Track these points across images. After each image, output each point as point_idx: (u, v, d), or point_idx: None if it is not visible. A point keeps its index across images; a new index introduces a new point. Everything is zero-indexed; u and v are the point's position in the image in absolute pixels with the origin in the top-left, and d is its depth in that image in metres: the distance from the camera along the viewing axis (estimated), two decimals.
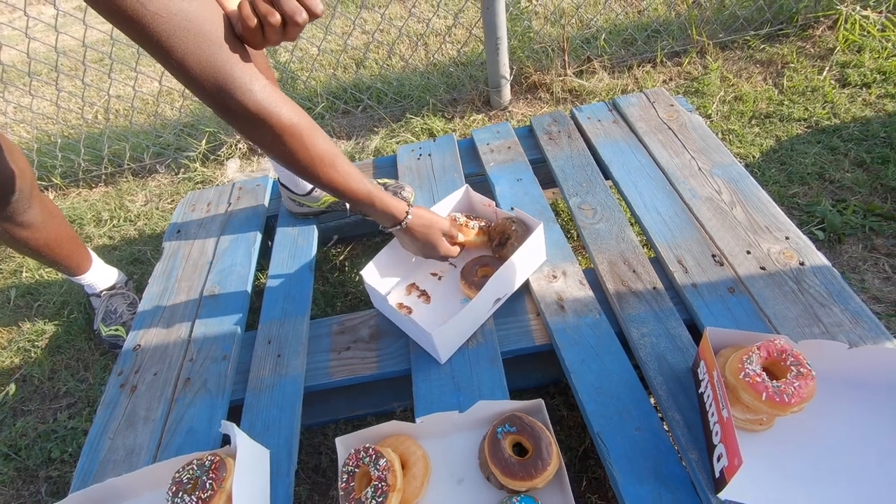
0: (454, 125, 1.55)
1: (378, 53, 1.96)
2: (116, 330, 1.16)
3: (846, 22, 1.46)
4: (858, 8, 1.46)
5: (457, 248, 0.88)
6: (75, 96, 1.90)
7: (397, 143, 1.51)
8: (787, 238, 0.86)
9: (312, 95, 1.72)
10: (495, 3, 1.33)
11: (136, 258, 1.36)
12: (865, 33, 1.45)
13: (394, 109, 1.63)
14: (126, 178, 1.64)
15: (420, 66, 1.79)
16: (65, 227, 1.07)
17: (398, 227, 0.79)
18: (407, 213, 0.79)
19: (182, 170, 1.61)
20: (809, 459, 0.61)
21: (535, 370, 0.91)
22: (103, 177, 1.67)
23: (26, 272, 1.40)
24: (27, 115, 1.94)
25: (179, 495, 0.63)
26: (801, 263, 0.82)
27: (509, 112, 1.55)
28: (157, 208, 1.51)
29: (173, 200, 1.53)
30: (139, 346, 0.95)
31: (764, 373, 0.60)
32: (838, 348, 0.63)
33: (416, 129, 1.53)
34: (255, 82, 0.57)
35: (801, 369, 0.59)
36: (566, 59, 1.53)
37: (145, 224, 1.47)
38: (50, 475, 0.96)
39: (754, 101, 1.38)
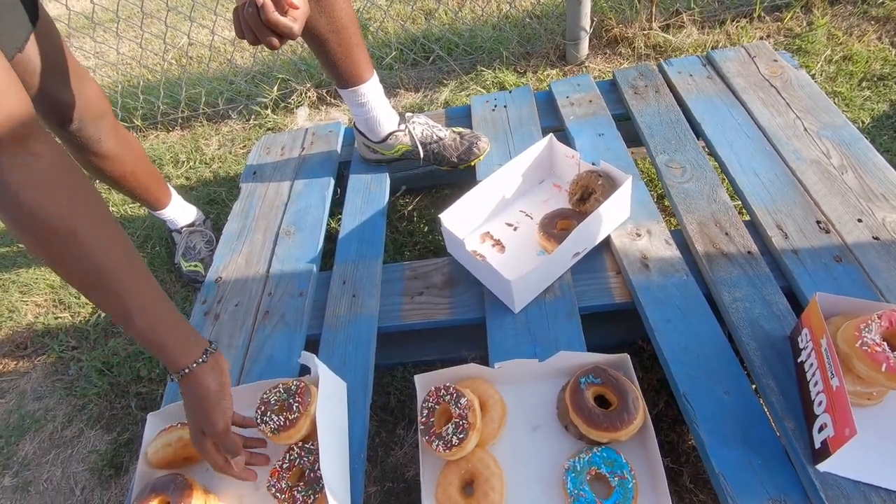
0: (527, 79, 1.49)
1: (449, 4, 1.90)
2: (196, 266, 1.22)
3: None
4: None
5: (232, 468, 0.62)
6: (158, 38, 1.95)
7: (467, 95, 1.48)
8: None
9: (382, 45, 1.69)
10: None
11: (212, 199, 1.41)
12: None
13: (464, 62, 1.58)
14: (201, 122, 1.69)
15: (493, 19, 1.72)
16: (144, 162, 1.11)
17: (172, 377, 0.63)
18: (183, 370, 0.59)
19: (253, 116, 1.64)
20: None
21: (611, 329, 0.89)
22: (180, 120, 1.73)
23: (112, 206, 1.48)
24: (113, 57, 2.02)
25: (268, 414, 0.66)
26: None
27: (586, 67, 1.47)
28: (231, 153, 1.55)
29: (245, 146, 1.56)
30: (220, 278, 0.99)
31: (885, 343, 0.55)
32: None
33: (487, 83, 1.49)
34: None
35: None
36: (653, 10, 1.42)
37: (219, 167, 1.51)
38: (139, 391, 1.04)
39: (867, 62, 1.25)
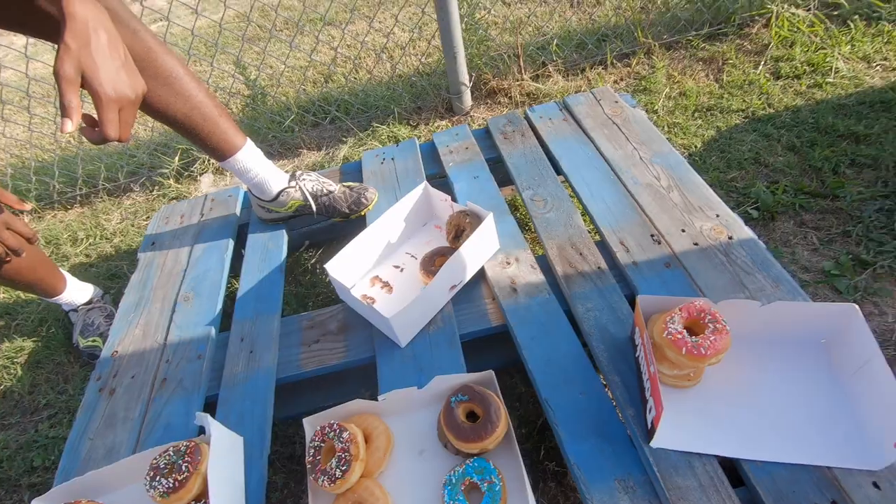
0: (419, 132, 1.62)
1: (345, 67, 2.03)
2: (94, 341, 1.19)
3: (777, 19, 1.56)
4: (788, 6, 1.57)
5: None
6: (48, 121, 1.93)
7: (363, 149, 1.58)
8: (717, 216, 0.93)
9: (283, 110, 1.78)
10: (450, 17, 1.41)
11: (113, 273, 1.39)
12: (795, 29, 1.56)
13: (360, 120, 1.70)
14: (101, 197, 1.68)
15: (385, 78, 1.86)
16: (37, 253, 1.10)
17: None
18: None
19: (157, 187, 1.65)
20: (732, 406, 0.68)
21: (496, 352, 0.97)
22: (78, 198, 1.70)
23: (3, 293, 1.42)
24: (1, 141, 1.96)
25: (157, 479, 0.67)
26: (730, 238, 0.89)
27: (471, 117, 1.62)
28: (133, 225, 1.55)
29: (148, 217, 1.56)
30: (116, 352, 0.99)
31: (685, 331, 0.66)
32: (752, 306, 0.70)
33: (383, 138, 1.60)
34: None
35: (717, 325, 0.66)
36: (521, 65, 1.61)
37: (121, 241, 1.50)
38: (33, 482, 0.99)
39: (697, 96, 1.48)
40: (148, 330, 1.01)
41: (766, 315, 0.70)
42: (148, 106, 0.90)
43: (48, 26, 0.77)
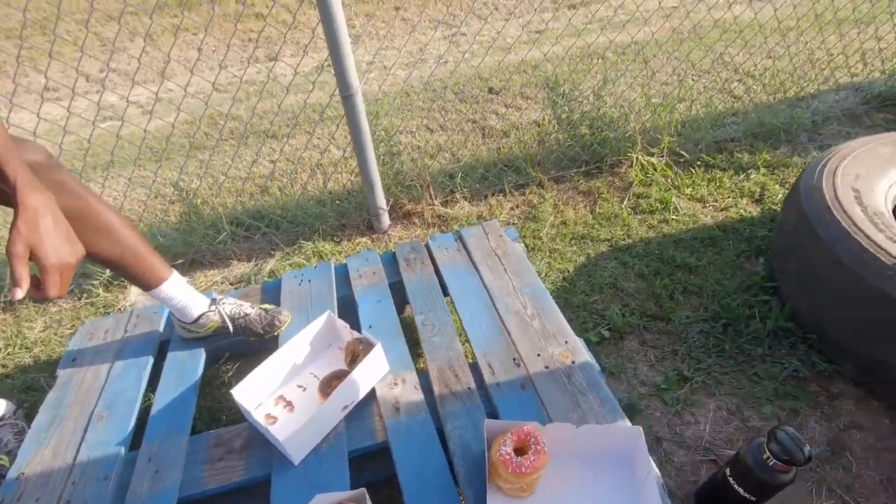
0: (342, 247, 1.82)
1: (281, 181, 2.25)
2: (1, 460, 1.21)
3: (636, 164, 1.94)
4: (644, 154, 1.95)
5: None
6: None
7: (290, 265, 1.75)
8: (566, 342, 1.16)
9: (217, 220, 1.94)
10: (367, 156, 1.67)
11: (30, 386, 1.43)
12: (652, 172, 1.93)
13: (289, 234, 1.88)
14: (25, 303, 1.73)
15: (316, 193, 2.09)
16: None
17: None
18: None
19: (85, 294, 1.73)
20: None
21: (384, 465, 1.10)
22: (1, 304, 1.74)
23: None
24: None
25: None
26: (573, 362, 1.11)
27: (388, 235, 1.85)
28: (56, 334, 1.60)
29: (73, 326, 1.63)
30: (23, 474, 1.04)
31: (513, 452, 0.84)
32: (570, 428, 0.89)
33: (308, 253, 1.78)
34: None
35: (538, 447, 0.84)
36: (431, 192, 1.88)
37: (42, 350, 1.55)
38: None
39: (574, 225, 1.78)
40: (58, 450, 1.07)
41: (582, 435, 0.90)
42: (88, 255, 1.04)
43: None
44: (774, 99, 2.39)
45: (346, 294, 1.41)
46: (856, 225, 1.19)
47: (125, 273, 1.10)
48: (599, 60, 3.07)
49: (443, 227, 1.85)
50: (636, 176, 1.92)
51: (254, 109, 2.51)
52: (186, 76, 3.89)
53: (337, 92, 1.55)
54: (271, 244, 1.87)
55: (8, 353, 1.54)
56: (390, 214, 1.88)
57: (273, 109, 3.00)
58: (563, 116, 2.10)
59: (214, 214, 2.00)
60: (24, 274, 0.75)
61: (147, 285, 1.14)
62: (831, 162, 1.39)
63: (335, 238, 1.85)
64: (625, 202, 1.84)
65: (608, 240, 1.70)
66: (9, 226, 0.81)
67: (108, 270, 1.73)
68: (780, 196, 1.76)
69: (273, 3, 4.86)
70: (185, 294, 1.20)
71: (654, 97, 2.49)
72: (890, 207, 1.32)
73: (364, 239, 1.84)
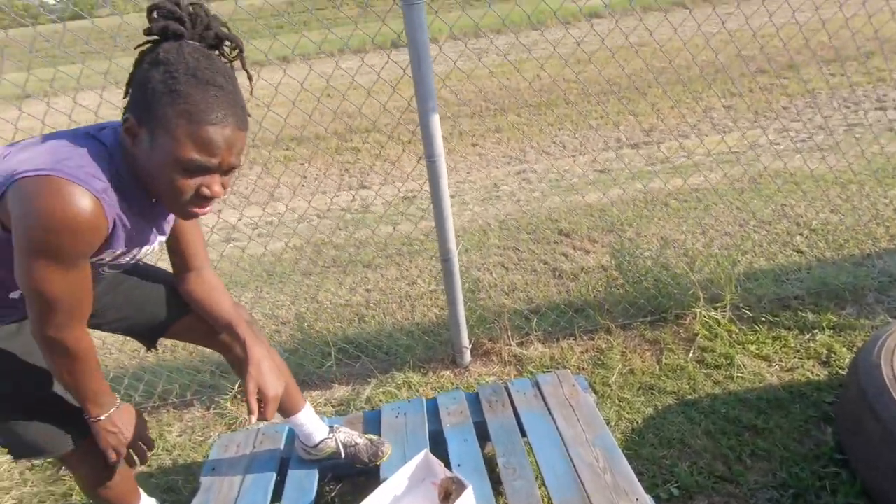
0: (429, 379, 2.06)
1: (376, 310, 2.60)
2: None
3: (699, 318, 2.10)
4: (707, 310, 2.12)
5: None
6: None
7: (384, 393, 2.00)
8: (637, 500, 1.28)
9: (325, 346, 2.27)
10: (457, 304, 1.97)
11: (170, 487, 1.71)
12: (716, 326, 2.08)
13: (383, 363, 2.17)
14: (168, 409, 2.08)
15: (406, 323, 2.40)
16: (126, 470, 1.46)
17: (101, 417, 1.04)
18: (98, 418, 1.03)
19: (214, 405, 2.06)
20: None
21: None
22: (149, 408, 2.10)
23: (76, 495, 1.72)
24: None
25: None
26: None
27: (469, 371, 2.08)
28: (190, 440, 1.91)
29: (203, 434, 1.94)
30: None
31: None
32: None
33: (399, 382, 2.04)
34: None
35: None
36: (508, 334, 2.13)
37: (179, 454, 1.85)
38: None
39: (641, 374, 1.93)
40: None
41: None
42: None
43: (217, 344, 1.29)
44: (838, 256, 2.51)
45: (436, 429, 1.62)
46: None
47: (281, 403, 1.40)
48: (662, 207, 3.35)
49: (518, 367, 2.06)
50: (700, 330, 2.07)
51: (351, 237, 2.96)
52: (293, 200, 4.61)
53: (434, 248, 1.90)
54: (367, 371, 2.15)
55: (153, 454, 1.86)
56: (471, 352, 2.13)
57: (367, 239, 3.49)
58: (628, 267, 2.34)
59: (320, 339, 2.35)
60: (255, 406, 1.07)
61: (286, 412, 1.43)
62: (890, 340, 1.50)
63: (423, 370, 2.11)
64: (690, 355, 1.98)
65: (675, 392, 1.82)
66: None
67: (236, 386, 2.07)
68: (846, 360, 1.84)
69: (364, 141, 5.73)
70: (312, 422, 1.48)
71: (715, 248, 2.69)
72: None
73: (448, 372, 2.08)
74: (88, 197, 0.82)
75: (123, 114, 0.88)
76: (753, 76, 6.40)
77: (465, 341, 2.06)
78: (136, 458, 1.14)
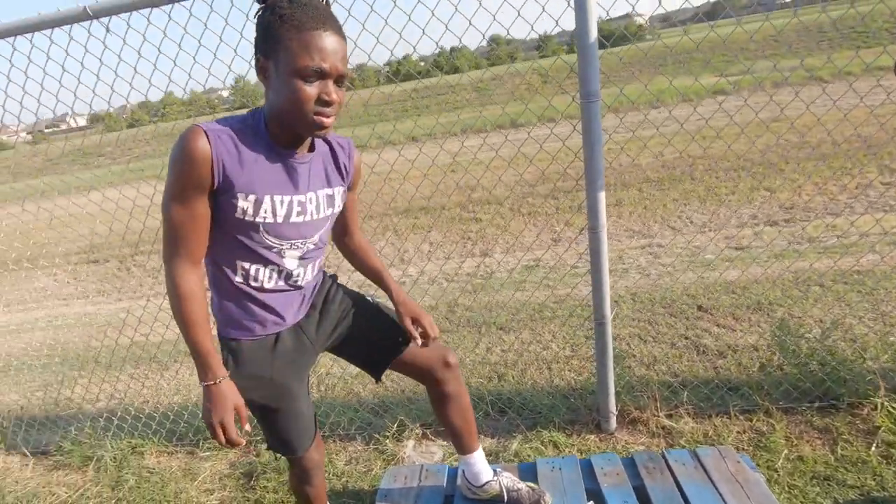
0: (573, 441, 2.10)
1: (514, 369, 2.72)
2: None
3: (882, 409, 1.92)
4: (891, 400, 1.93)
5: (222, 438, 1.10)
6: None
7: (530, 448, 2.08)
8: None
9: (473, 398, 2.43)
10: (607, 366, 2.04)
11: None
12: None
13: (527, 420, 2.26)
14: (335, 440, 2.34)
15: (545, 385, 2.48)
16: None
17: (202, 384, 1.11)
18: (216, 381, 1.10)
19: (373, 441, 2.28)
20: None
21: None
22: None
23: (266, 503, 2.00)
24: None
25: None
26: None
27: (615, 438, 2.09)
28: (356, 469, 2.13)
29: (367, 465, 2.15)
30: None
31: None
32: None
33: (545, 440, 2.11)
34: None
35: None
36: (658, 404, 2.12)
37: (346, 481, 2.07)
38: None
39: (813, 463, 1.79)
40: None
41: None
42: (443, 422, 1.55)
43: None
44: None
45: (592, 488, 1.66)
46: None
47: (456, 439, 1.56)
48: (818, 288, 3.13)
49: (668, 439, 2.03)
50: (882, 421, 1.89)
51: (480, 299, 3.16)
52: (420, 265, 5.01)
53: (589, 314, 2.01)
54: (513, 426, 2.25)
55: (327, 478, 2.10)
56: (617, 419, 2.14)
57: (499, 303, 3.68)
58: (790, 347, 2.23)
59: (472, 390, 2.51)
60: (413, 331, 1.39)
61: (463, 450, 1.58)
62: None
63: (566, 431, 2.16)
64: (873, 448, 1.81)
65: (857, 487, 1.67)
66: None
67: (395, 425, 2.28)
68: None
69: (491, 214, 6.09)
70: (481, 463, 1.61)
71: (891, 334, 2.45)
72: None
73: (592, 437, 2.11)
74: (198, 132, 1.01)
75: (255, 60, 1.08)
76: None
77: (613, 407, 2.09)
78: (223, 435, 1.12)
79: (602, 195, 1.78)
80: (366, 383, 2.75)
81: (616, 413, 2.12)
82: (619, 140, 7.94)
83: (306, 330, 1.35)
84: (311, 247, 1.26)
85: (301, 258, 1.24)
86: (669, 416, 2.12)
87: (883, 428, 1.87)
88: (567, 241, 5.04)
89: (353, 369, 2.85)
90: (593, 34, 1.58)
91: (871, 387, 1.98)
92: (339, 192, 1.28)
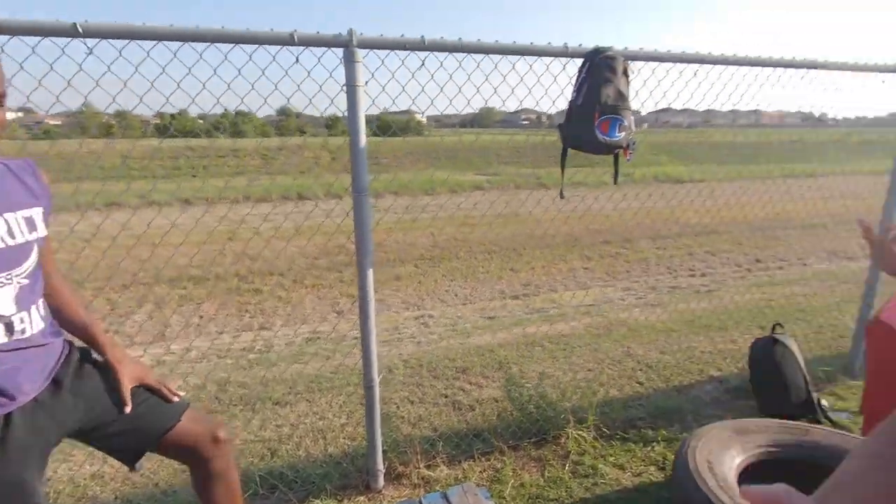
0: (350, 502, 2.20)
1: (288, 444, 2.70)
2: None
3: (571, 437, 2.58)
4: (575, 430, 2.62)
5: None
6: None
7: None
8: None
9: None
10: (375, 425, 2.24)
11: None
12: (584, 443, 2.56)
13: (299, 493, 2.26)
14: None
15: (320, 455, 2.53)
16: None
17: None
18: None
19: None
20: None
21: None
22: None
23: None
24: None
25: None
26: None
27: (382, 495, 2.27)
28: None
29: None
30: None
31: None
32: None
33: None
34: None
35: None
36: (419, 457, 2.40)
37: None
38: None
39: (530, 487, 2.29)
40: None
41: None
42: None
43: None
44: (667, 386, 3.26)
45: None
46: (710, 489, 1.81)
47: None
48: (540, 348, 4.01)
49: (426, 487, 2.30)
50: (572, 447, 2.54)
51: (255, 375, 3.10)
52: (187, 341, 4.55)
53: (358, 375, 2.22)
54: (282, 500, 2.23)
55: None
56: (385, 476, 2.33)
57: (273, 376, 3.60)
58: (514, 396, 2.82)
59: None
60: (128, 398, 1.31)
61: None
62: (692, 441, 2.09)
63: (338, 496, 2.24)
64: (566, 468, 2.40)
65: (556, 500, 2.19)
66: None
67: None
68: None
69: (268, 283, 5.98)
70: None
71: (581, 381, 3.31)
72: (734, 476, 1.97)
73: (362, 497, 2.24)
74: None
75: None
76: (601, 246, 8.02)
77: (380, 465, 2.28)
78: None
79: (371, 271, 2.08)
80: (107, 481, 2.34)
81: (384, 471, 2.31)
82: (402, 220, 8.79)
83: (47, 408, 1.16)
84: (25, 282, 1.10)
85: (16, 298, 1.08)
86: (429, 467, 2.41)
87: (572, 452, 2.51)
88: (349, 313, 5.26)
89: (92, 466, 2.42)
90: (363, 141, 1.94)
91: (566, 421, 2.65)
92: (37, 213, 1.16)
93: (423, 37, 1.87)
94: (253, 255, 6.59)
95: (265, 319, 5.14)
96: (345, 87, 1.84)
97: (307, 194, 11.68)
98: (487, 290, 6.03)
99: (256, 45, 1.72)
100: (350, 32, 1.80)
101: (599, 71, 2.02)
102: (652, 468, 2.39)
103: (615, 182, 2.30)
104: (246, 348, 4.38)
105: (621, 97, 2.03)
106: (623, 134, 2.04)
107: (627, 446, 2.56)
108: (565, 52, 2.08)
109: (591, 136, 2.02)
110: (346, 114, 1.89)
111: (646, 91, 2.40)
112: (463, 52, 1.97)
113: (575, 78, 2.10)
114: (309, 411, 3.08)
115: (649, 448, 2.54)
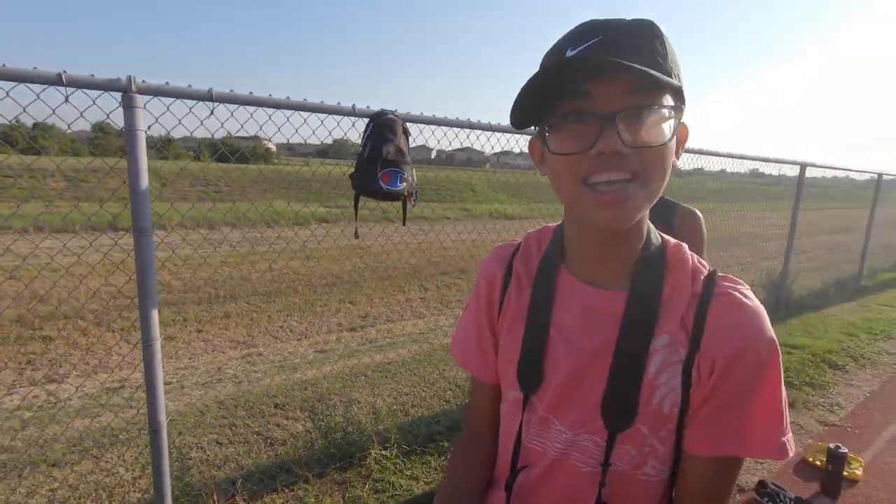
0: None
1: None
2: None
3: (373, 458, 2.79)
4: (379, 450, 2.83)
5: None
6: None
7: None
8: None
9: None
10: (163, 477, 2.17)
11: None
12: (385, 461, 2.78)
13: None
14: None
15: None
16: None
17: None
18: None
19: None
20: None
21: None
22: None
23: None
24: None
25: None
26: None
27: None
28: None
29: None
30: None
31: None
32: None
33: None
34: None
35: None
36: (215, 498, 2.37)
37: None
38: None
39: None
40: None
41: None
42: None
43: None
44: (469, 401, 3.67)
45: None
46: None
47: None
48: (363, 378, 4.19)
49: None
50: (373, 467, 2.74)
51: (28, 436, 2.75)
52: None
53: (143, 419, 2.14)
54: None
55: None
56: None
57: (52, 435, 3.16)
58: (322, 425, 2.94)
59: None
60: None
61: None
62: None
63: None
64: (366, 487, 2.59)
65: None
66: None
67: None
68: None
69: (62, 328, 5.22)
70: None
71: (393, 405, 3.57)
72: None
73: None
74: None
75: None
76: (439, 276, 8.59)
77: None
78: None
79: (155, 312, 2.06)
80: None
81: None
82: (234, 254, 8.33)
83: None
84: None
85: None
86: None
87: (374, 471, 2.72)
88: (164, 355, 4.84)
89: None
90: (144, 184, 1.96)
91: (370, 443, 2.85)
92: None
93: (210, 89, 2.00)
94: (39, 295, 5.66)
95: (51, 371, 4.46)
96: (123, 131, 1.87)
97: (122, 225, 10.40)
98: (325, 324, 6.05)
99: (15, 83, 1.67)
100: (129, 78, 1.84)
101: (381, 130, 2.35)
102: (442, 475, 2.69)
103: (404, 223, 2.64)
104: (22, 406, 3.76)
105: (401, 153, 2.38)
106: (404, 185, 2.38)
107: (425, 459, 2.84)
108: (353, 112, 2.38)
109: (376, 185, 2.32)
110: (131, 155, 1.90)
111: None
112: (254, 105, 2.14)
113: (363, 134, 2.41)
114: (95, 468, 2.79)
115: (443, 458, 2.86)
